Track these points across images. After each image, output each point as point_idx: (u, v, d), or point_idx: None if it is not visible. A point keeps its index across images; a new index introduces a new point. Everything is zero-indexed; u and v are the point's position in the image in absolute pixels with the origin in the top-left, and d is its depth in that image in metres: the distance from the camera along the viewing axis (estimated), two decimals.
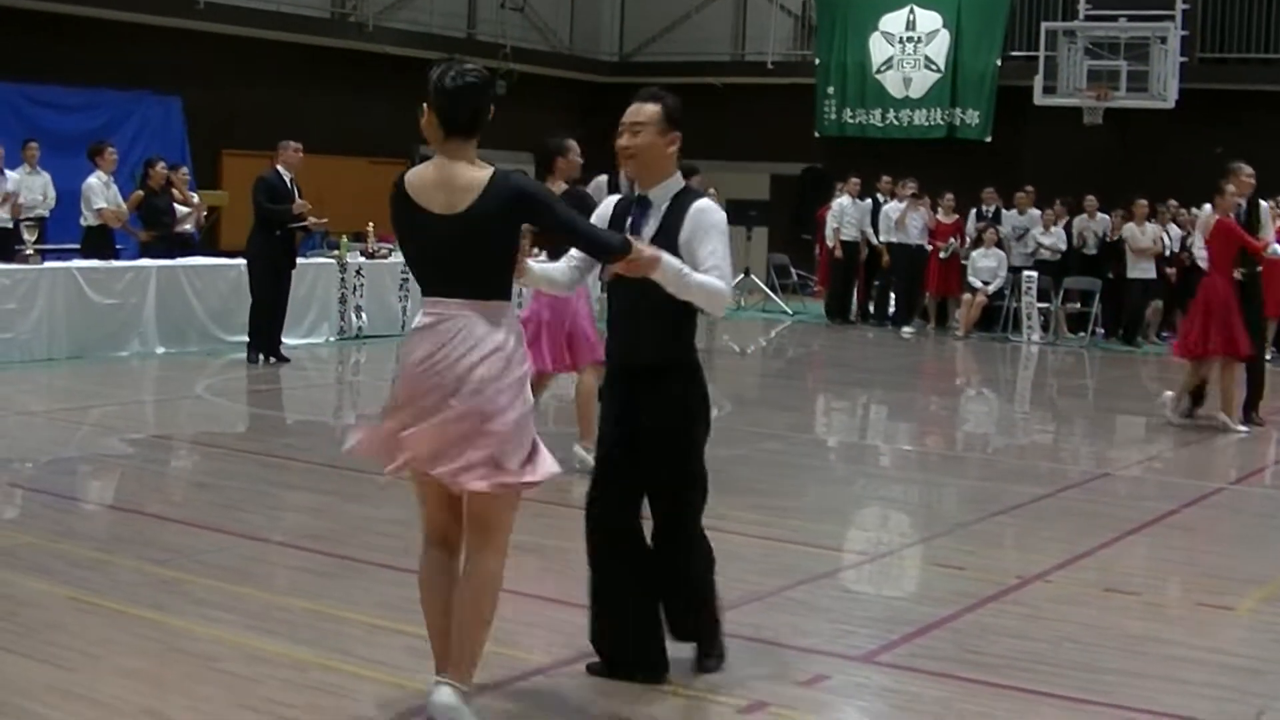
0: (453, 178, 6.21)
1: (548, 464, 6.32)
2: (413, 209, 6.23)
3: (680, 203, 6.76)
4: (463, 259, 6.17)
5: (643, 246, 6.36)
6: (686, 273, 6.45)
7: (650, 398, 6.79)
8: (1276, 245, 15.94)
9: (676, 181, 6.83)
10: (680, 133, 6.82)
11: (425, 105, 6.32)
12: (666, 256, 6.39)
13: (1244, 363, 15.91)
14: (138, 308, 19.16)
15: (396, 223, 6.36)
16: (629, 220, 6.84)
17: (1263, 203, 15.99)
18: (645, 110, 6.77)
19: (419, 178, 6.28)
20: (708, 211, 6.71)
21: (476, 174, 6.22)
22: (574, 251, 6.91)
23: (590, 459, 11.58)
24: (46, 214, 20.80)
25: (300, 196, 18.68)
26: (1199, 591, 9.36)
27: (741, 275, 29.32)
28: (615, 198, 7.15)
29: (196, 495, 11.56)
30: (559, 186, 12.01)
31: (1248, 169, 15.55)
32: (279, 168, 18.76)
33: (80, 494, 11.70)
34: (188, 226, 21.50)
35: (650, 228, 6.76)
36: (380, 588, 8.54)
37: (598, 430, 7.14)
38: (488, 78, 6.48)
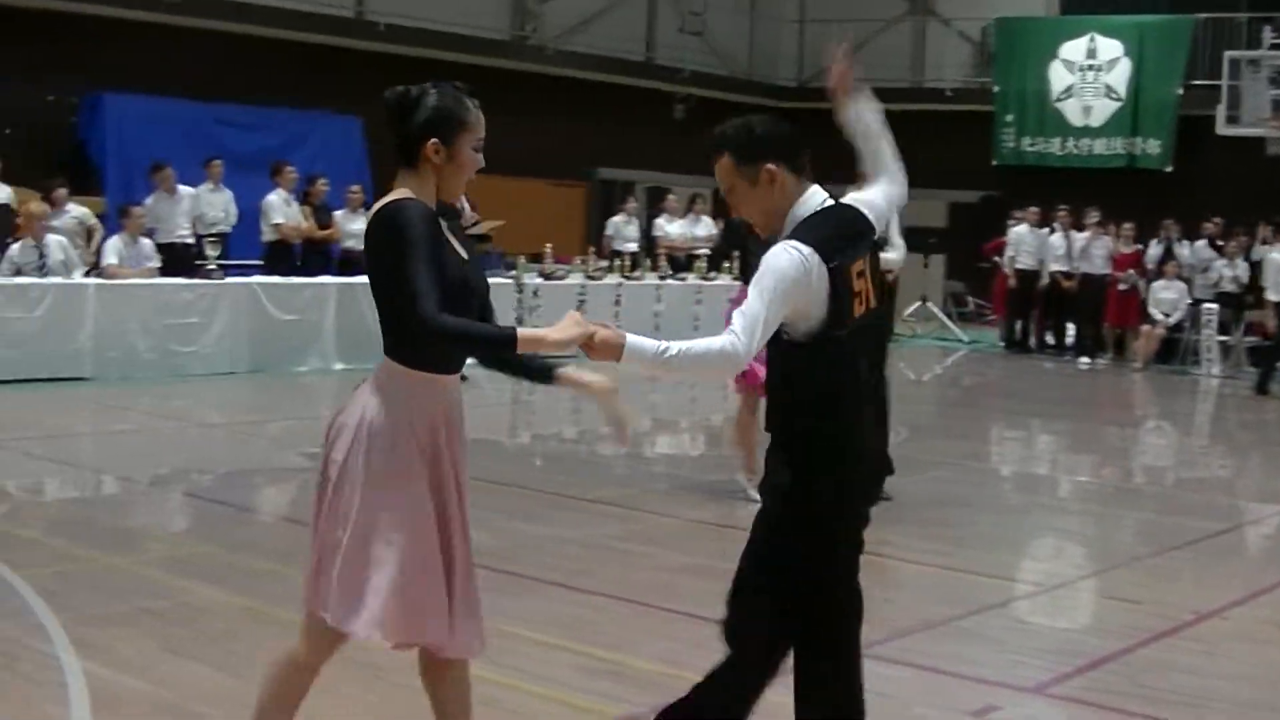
0: None
1: None
2: None
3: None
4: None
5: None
6: (662, 352, 4.95)
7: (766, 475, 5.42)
8: None
9: (796, 214, 5.25)
10: (769, 161, 5.26)
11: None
12: (631, 341, 4.97)
13: None
14: (317, 323, 19.46)
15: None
16: None
17: None
18: (720, 165, 5.37)
19: None
20: (769, 254, 5.13)
21: None
22: None
23: (752, 490, 11.59)
24: (229, 230, 21.19)
25: (474, 210, 18.90)
26: None
27: (918, 303, 29.24)
28: None
29: None
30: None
31: None
32: None
33: (257, 506, 11.89)
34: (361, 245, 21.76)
35: None
36: (553, 606, 8.58)
37: None
38: None
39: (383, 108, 5.13)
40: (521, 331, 4.96)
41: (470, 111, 5.13)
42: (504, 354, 5.22)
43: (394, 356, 5.12)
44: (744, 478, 11.69)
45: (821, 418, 5.19)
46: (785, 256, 5.03)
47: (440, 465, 5.16)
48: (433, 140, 5.05)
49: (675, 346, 4.94)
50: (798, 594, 5.26)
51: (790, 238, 5.12)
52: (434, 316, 4.81)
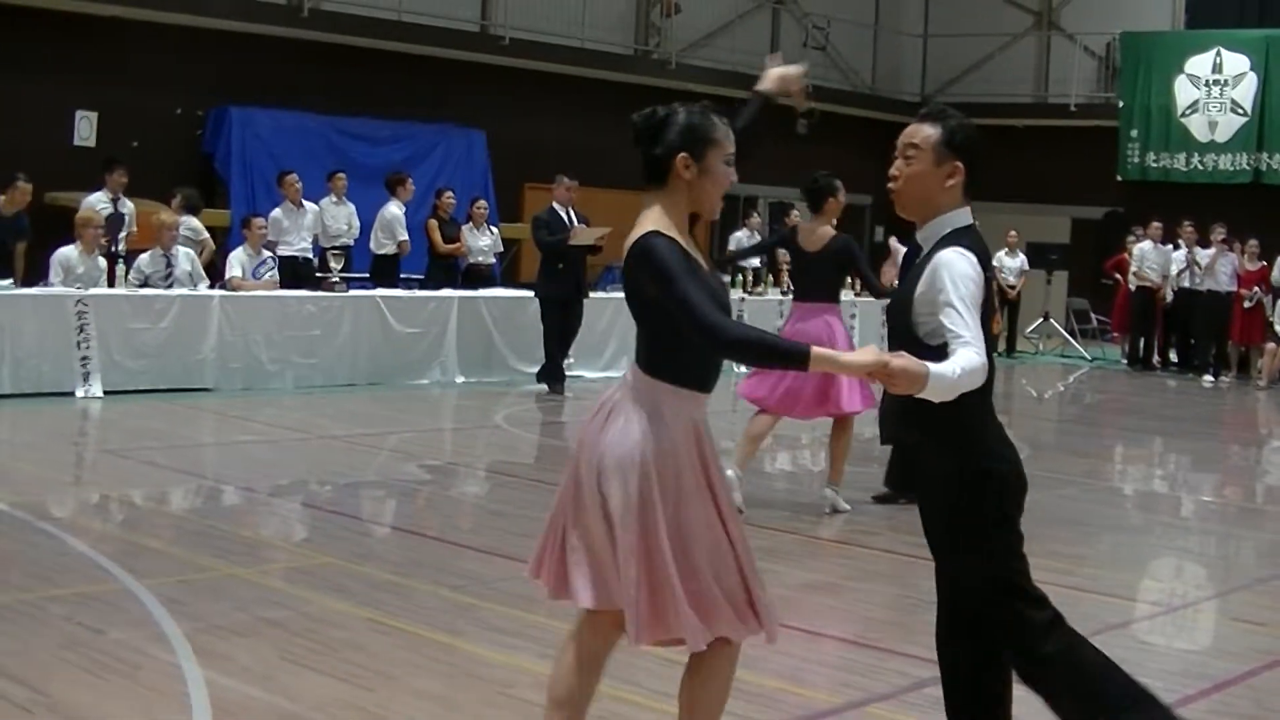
0: None
1: None
2: None
3: (936, 248, 5.34)
4: None
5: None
6: (953, 373, 4.96)
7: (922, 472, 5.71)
8: None
9: (950, 220, 5.39)
10: (960, 160, 5.38)
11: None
12: (934, 369, 4.93)
13: None
14: (439, 337, 19.55)
15: None
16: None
17: None
18: (923, 131, 5.41)
19: None
20: (946, 260, 5.22)
21: None
22: None
23: (840, 501, 11.58)
24: (351, 243, 21.30)
25: (583, 223, 18.97)
26: None
27: (1040, 320, 29.01)
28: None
29: (491, 523, 11.72)
30: (825, 229, 12.15)
31: None
32: (554, 204, 19.07)
33: (378, 518, 11.95)
34: (487, 259, 21.85)
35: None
36: None
37: None
38: None
39: (630, 130, 5.27)
40: (815, 350, 5.02)
41: (718, 127, 5.25)
42: (793, 368, 5.29)
43: (656, 374, 5.25)
44: (833, 490, 11.67)
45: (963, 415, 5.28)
46: (965, 262, 5.19)
47: (709, 468, 5.27)
48: (682, 154, 5.18)
49: (956, 367, 4.98)
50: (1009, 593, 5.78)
51: (955, 244, 5.25)
52: (722, 326, 5.09)
